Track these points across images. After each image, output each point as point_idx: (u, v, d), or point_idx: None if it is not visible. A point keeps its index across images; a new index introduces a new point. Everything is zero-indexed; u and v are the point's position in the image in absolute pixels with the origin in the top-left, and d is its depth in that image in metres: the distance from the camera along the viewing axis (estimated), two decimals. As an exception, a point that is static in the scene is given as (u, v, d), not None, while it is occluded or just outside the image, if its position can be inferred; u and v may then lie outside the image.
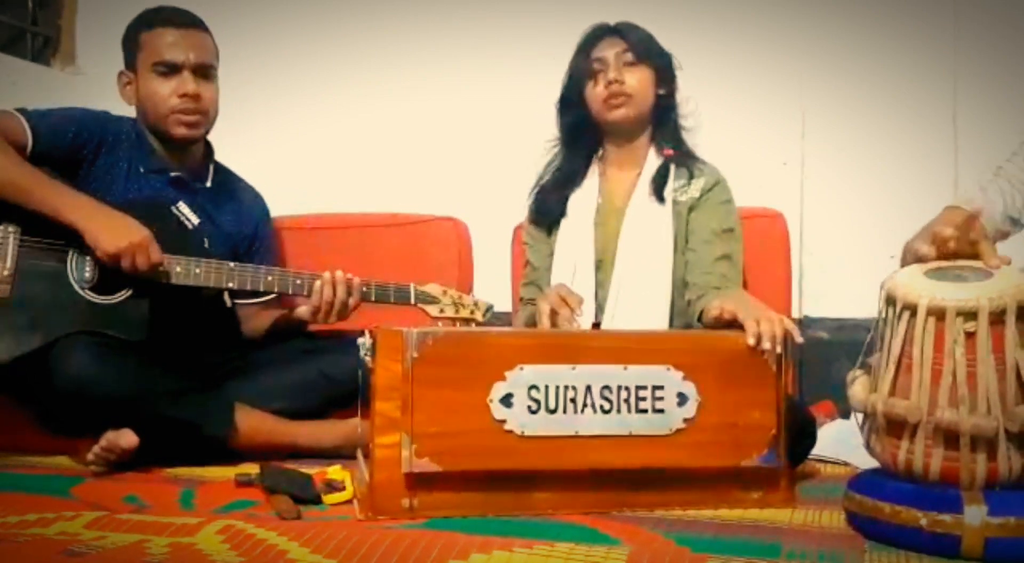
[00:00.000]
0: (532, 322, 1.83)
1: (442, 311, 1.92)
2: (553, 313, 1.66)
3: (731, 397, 1.43)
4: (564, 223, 1.96)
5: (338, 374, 1.86)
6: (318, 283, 1.86)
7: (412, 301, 1.91)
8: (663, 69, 1.92)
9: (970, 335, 1.21)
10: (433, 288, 1.93)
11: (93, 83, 2.92)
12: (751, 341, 1.43)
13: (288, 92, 2.91)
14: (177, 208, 1.90)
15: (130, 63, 1.97)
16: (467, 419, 1.36)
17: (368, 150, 2.87)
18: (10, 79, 2.73)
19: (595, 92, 1.90)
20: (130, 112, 2.01)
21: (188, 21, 1.96)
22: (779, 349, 1.44)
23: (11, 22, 2.97)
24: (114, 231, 1.73)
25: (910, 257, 1.41)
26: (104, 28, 2.65)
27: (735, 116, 2.56)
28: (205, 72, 1.95)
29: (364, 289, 1.89)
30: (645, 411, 1.40)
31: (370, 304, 1.92)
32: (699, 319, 1.74)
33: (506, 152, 2.60)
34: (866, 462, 1.42)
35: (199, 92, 1.93)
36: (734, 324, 1.49)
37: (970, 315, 1.21)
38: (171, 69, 1.92)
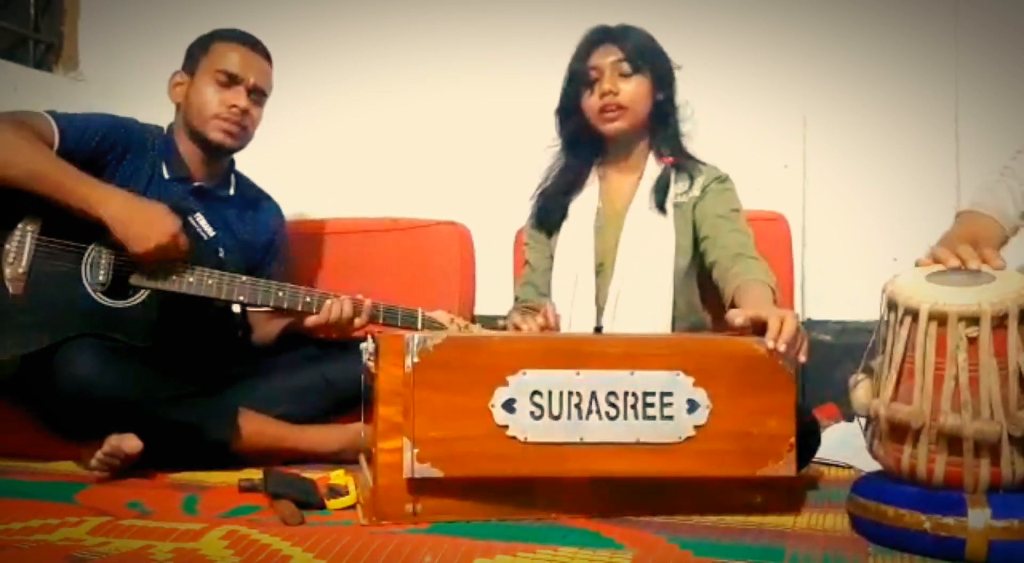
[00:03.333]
0: None
1: None
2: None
3: (745, 404, 1.40)
4: (565, 227, 1.96)
5: (341, 379, 1.87)
6: (328, 301, 1.88)
7: (419, 326, 1.92)
8: (661, 75, 1.92)
9: (972, 340, 1.21)
10: (440, 315, 1.94)
11: (95, 89, 2.93)
12: (769, 343, 1.40)
13: (289, 97, 2.90)
14: (194, 219, 1.92)
15: (190, 66, 2.02)
16: (469, 424, 1.36)
17: (370, 154, 2.87)
18: (12, 85, 2.74)
19: (590, 102, 1.90)
20: (139, 117, 2.03)
21: (262, 49, 2.05)
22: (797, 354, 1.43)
23: (14, 28, 2.98)
24: (142, 232, 1.75)
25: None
26: (106, 34, 2.67)
27: (737, 119, 2.56)
28: (258, 97, 2.02)
29: (372, 311, 1.90)
30: (653, 418, 1.39)
31: (376, 324, 1.93)
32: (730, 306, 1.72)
33: (508, 156, 2.60)
34: (870, 465, 1.41)
35: (248, 109, 1.98)
36: (760, 330, 1.45)
37: (972, 320, 1.21)
38: (231, 80, 1.97)
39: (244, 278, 1.88)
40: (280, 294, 1.88)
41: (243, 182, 2.15)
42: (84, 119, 1.90)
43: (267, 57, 2.06)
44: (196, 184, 2.01)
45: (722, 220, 1.86)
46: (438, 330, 1.91)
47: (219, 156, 2.05)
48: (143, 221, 1.76)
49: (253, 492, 1.53)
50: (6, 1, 2.97)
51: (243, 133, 2.01)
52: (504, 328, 1.82)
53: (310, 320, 1.90)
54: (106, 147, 1.90)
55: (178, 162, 2.00)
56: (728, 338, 1.49)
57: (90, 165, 1.85)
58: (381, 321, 1.91)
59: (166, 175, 1.98)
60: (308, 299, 1.89)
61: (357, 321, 1.89)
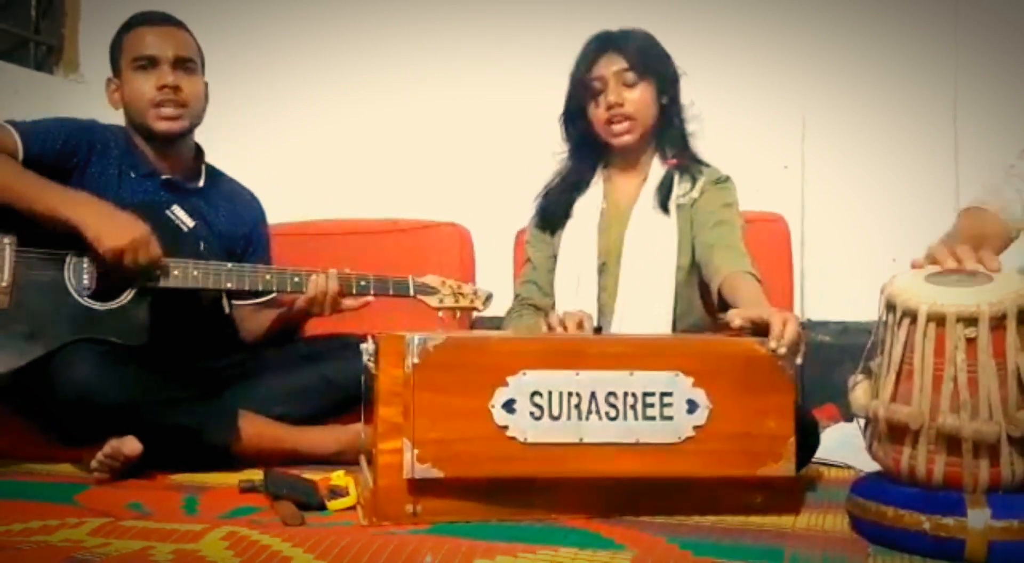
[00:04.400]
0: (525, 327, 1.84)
1: (442, 301, 1.92)
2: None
3: (744, 404, 1.40)
4: (568, 227, 1.97)
5: (340, 379, 1.86)
6: (314, 276, 1.88)
7: (411, 293, 1.91)
8: (665, 79, 1.92)
9: (971, 340, 1.20)
10: (432, 279, 1.94)
11: (96, 91, 2.93)
12: (772, 344, 1.41)
13: (289, 97, 2.92)
14: (172, 211, 1.91)
15: (116, 68, 2.00)
16: (469, 425, 1.36)
17: (370, 155, 2.87)
18: (13, 87, 2.75)
19: (596, 113, 1.90)
20: (119, 120, 2.02)
21: (165, 19, 1.99)
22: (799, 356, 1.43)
23: (14, 30, 2.98)
24: (115, 228, 1.73)
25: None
26: (107, 37, 2.66)
27: (736, 120, 2.56)
28: (185, 66, 1.96)
29: (362, 283, 1.90)
30: (653, 418, 1.39)
31: (372, 298, 1.92)
32: (720, 304, 1.73)
33: (508, 157, 2.61)
34: (869, 465, 1.42)
35: (179, 84, 1.94)
36: (758, 331, 1.46)
37: (970, 321, 1.20)
38: (150, 62, 1.93)
39: (229, 265, 1.86)
40: (268, 277, 1.88)
41: (215, 175, 2.12)
42: (46, 125, 1.88)
43: (180, 26, 2.00)
44: (164, 178, 1.98)
45: (708, 216, 1.87)
46: (431, 294, 1.92)
47: (175, 144, 2.00)
48: (114, 220, 1.74)
49: (253, 493, 1.53)
50: (7, 3, 2.98)
51: (185, 112, 1.95)
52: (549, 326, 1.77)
53: (300, 300, 1.89)
54: (70, 150, 1.88)
55: (142, 160, 1.97)
56: (727, 339, 1.49)
57: (56, 170, 1.84)
58: (372, 293, 1.90)
59: (132, 174, 1.95)
60: (296, 278, 1.88)
61: (349, 302, 1.89)
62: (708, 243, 1.82)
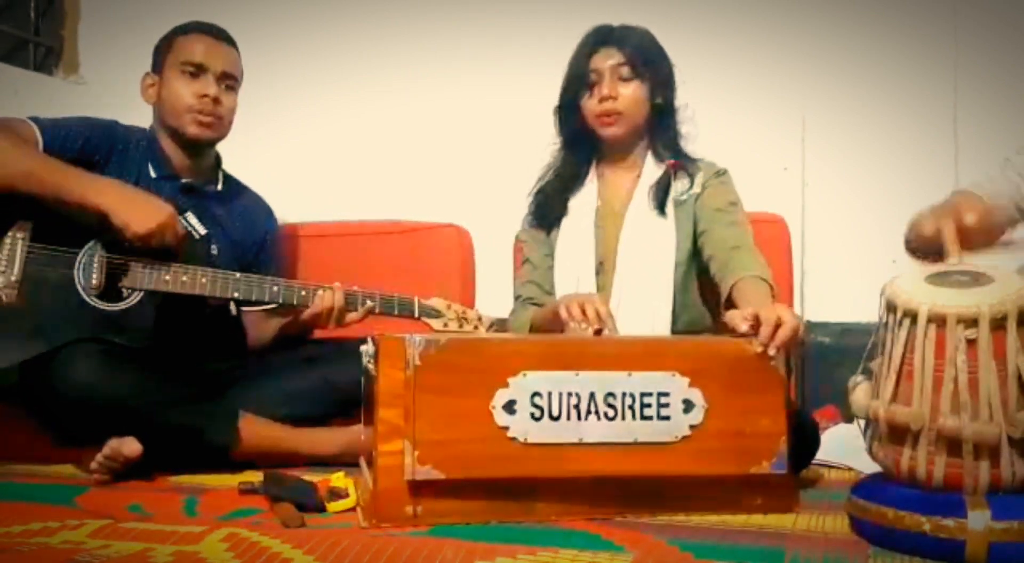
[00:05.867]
0: (535, 324, 1.84)
1: (446, 325, 1.93)
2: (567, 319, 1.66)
3: (739, 403, 1.42)
4: (564, 226, 1.96)
5: (342, 380, 1.86)
6: (320, 291, 1.88)
7: (416, 315, 1.92)
8: (661, 78, 1.92)
9: (971, 342, 1.20)
10: (437, 302, 1.94)
11: (96, 92, 2.94)
12: (758, 348, 1.42)
13: (288, 98, 2.91)
14: (185, 218, 1.92)
15: (157, 65, 2.02)
16: (470, 426, 1.36)
17: (370, 156, 2.87)
18: (13, 88, 2.74)
19: (589, 105, 1.91)
20: (138, 121, 2.03)
21: (222, 34, 2.04)
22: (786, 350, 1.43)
23: (14, 32, 2.98)
24: (141, 213, 1.75)
25: (917, 233, 1.41)
26: (107, 38, 2.67)
27: (736, 121, 2.56)
28: (228, 82, 2.01)
29: (368, 301, 1.90)
30: (650, 418, 1.40)
31: (373, 315, 1.93)
32: (727, 301, 1.73)
33: (509, 158, 2.60)
34: (869, 467, 1.42)
35: (219, 97, 1.97)
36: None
37: (971, 322, 1.20)
38: (197, 70, 1.97)
39: (238, 275, 1.88)
40: (275, 289, 1.89)
41: (232, 181, 2.15)
42: (67, 124, 1.90)
43: (231, 43, 2.05)
44: (184, 181, 2.00)
45: (719, 214, 1.87)
46: (435, 317, 1.92)
47: (200, 151, 2.04)
48: (141, 204, 1.77)
49: (253, 495, 1.52)
50: (6, 5, 2.97)
51: (218, 123, 2.00)
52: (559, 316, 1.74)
53: (306, 313, 1.90)
54: (90, 150, 1.90)
55: (164, 161, 2.00)
56: (721, 339, 1.50)
57: None
58: (377, 311, 1.92)
59: (153, 174, 1.97)
60: (303, 292, 1.90)
61: (352, 316, 1.89)
62: (731, 243, 1.81)
